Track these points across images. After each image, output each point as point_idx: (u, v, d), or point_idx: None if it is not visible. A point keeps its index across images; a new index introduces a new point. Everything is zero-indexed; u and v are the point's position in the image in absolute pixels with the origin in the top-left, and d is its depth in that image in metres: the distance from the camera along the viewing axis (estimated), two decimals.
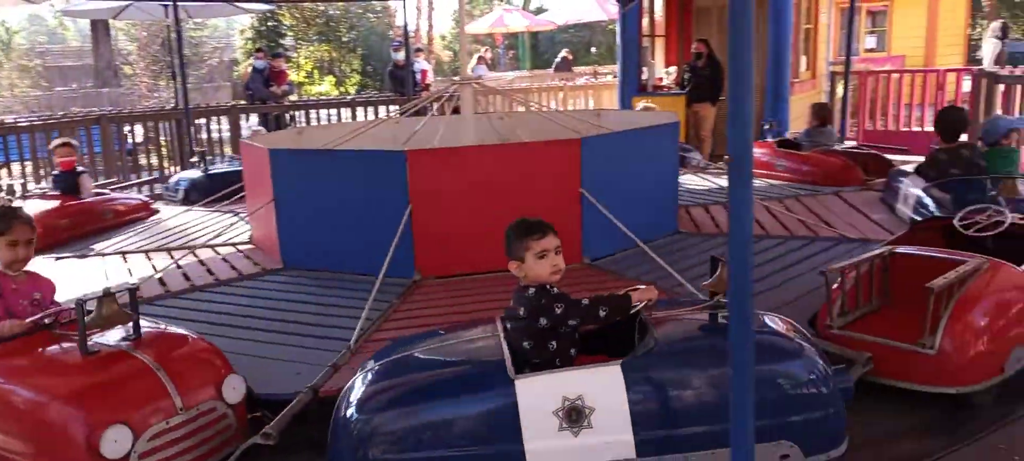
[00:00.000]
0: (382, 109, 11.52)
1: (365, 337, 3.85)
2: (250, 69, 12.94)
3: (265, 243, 5.68)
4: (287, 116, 11.81)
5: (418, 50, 16.02)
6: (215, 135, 11.42)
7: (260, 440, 2.73)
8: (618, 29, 10.66)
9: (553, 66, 21.07)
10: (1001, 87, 8.31)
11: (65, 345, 3.02)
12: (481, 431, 2.44)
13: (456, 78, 5.96)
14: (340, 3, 25.12)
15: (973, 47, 25.39)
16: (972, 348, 3.10)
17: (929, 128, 10.21)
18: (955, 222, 3.90)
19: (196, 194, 7.96)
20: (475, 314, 3.85)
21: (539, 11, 28.04)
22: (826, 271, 3.43)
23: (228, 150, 10.77)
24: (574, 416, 2.40)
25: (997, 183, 4.96)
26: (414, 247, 4.75)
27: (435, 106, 6.32)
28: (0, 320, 3.13)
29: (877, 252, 3.59)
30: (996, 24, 12.53)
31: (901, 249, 3.66)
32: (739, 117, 2.09)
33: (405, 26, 10.56)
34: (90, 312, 2.88)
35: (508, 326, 2.71)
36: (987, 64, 11.51)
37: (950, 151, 5.33)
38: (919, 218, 5.00)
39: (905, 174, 5.91)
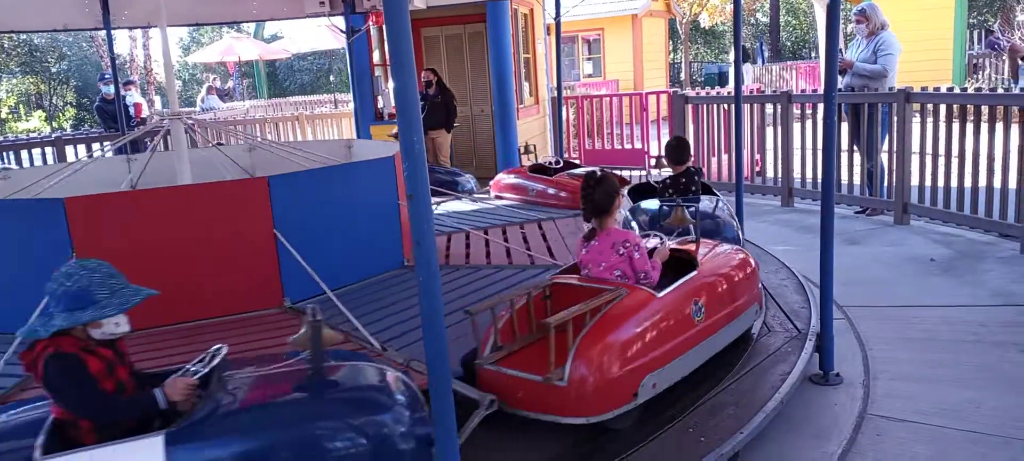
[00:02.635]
0: (95, 146, 10.54)
1: None
2: None
3: None
4: None
5: (129, 82, 14.82)
6: None
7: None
8: (348, 59, 10.63)
9: None
10: (690, 106, 9.42)
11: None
12: None
13: (179, 111, 5.59)
14: (46, 32, 22.67)
15: (675, 69, 28.55)
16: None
17: (639, 145, 11.33)
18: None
19: None
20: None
21: (273, 39, 27.27)
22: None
23: None
24: None
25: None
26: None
27: (152, 141, 5.87)
28: None
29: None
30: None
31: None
32: (410, 151, 2.15)
33: (112, 56, 9.70)
34: None
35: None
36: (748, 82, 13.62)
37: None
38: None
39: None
